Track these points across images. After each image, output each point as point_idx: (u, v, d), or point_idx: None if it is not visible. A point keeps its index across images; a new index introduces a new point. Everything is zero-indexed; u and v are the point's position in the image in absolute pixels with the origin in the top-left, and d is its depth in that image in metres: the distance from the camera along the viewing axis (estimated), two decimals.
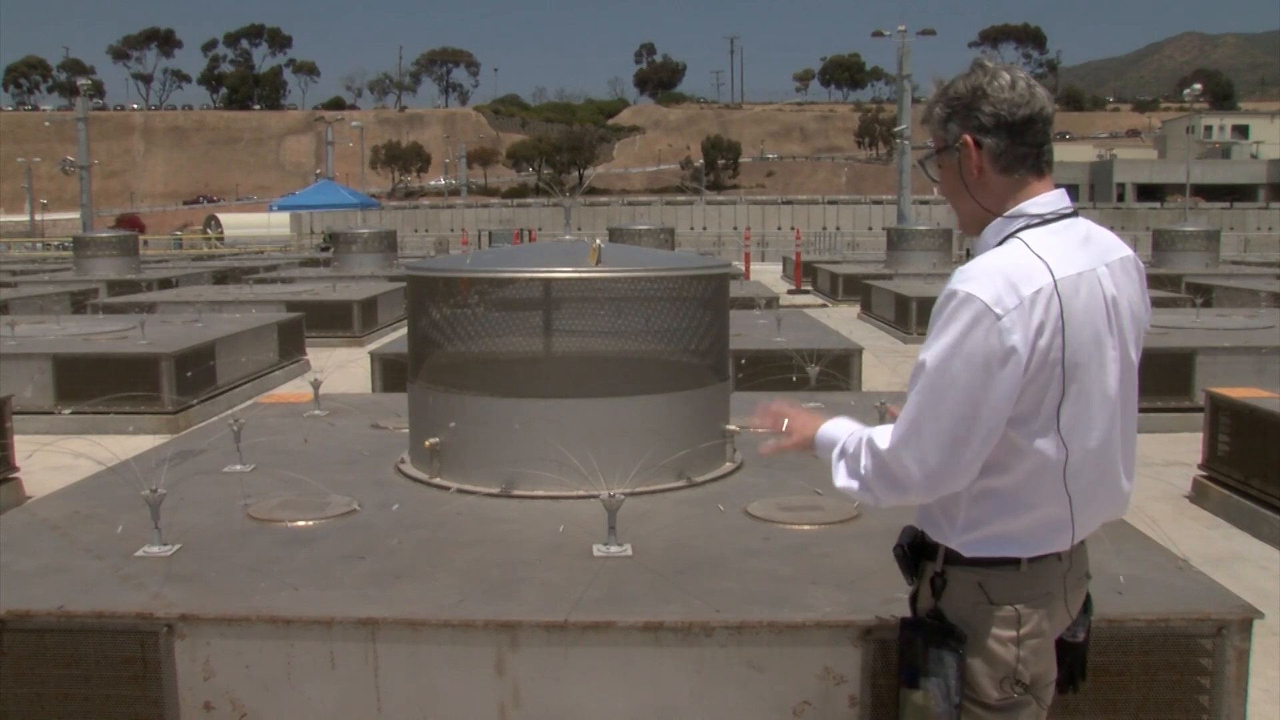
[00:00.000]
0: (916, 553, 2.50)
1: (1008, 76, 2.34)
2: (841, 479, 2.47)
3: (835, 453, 2.50)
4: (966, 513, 2.37)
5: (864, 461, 2.41)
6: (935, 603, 2.42)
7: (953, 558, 2.40)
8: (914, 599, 2.52)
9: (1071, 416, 2.29)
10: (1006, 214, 2.36)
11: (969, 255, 2.48)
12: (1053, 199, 2.38)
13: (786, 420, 2.69)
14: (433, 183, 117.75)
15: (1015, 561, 2.36)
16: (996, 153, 2.34)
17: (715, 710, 3.37)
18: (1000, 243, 2.32)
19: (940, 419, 2.25)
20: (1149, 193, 74.82)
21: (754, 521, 4.37)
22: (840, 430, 2.55)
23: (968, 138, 2.34)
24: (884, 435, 2.37)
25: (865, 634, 3.34)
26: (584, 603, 3.47)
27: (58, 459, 6.30)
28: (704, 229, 52.06)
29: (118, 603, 3.51)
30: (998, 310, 2.18)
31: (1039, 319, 2.20)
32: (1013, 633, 2.35)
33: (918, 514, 2.51)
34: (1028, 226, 2.32)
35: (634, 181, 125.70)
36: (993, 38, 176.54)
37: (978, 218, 2.41)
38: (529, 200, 73.34)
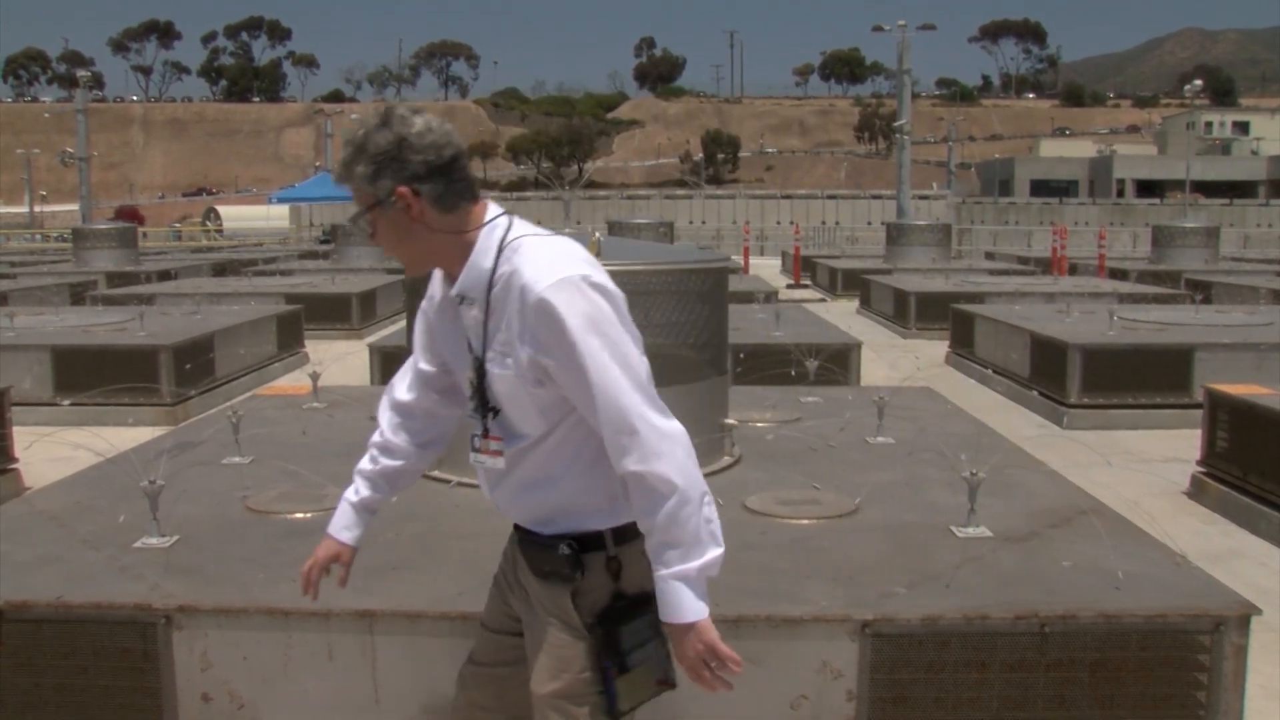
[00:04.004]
0: (584, 548, 2.47)
1: (421, 121, 2.38)
2: (692, 527, 2.35)
3: (687, 562, 2.35)
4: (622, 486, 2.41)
5: (668, 493, 2.33)
6: (616, 585, 2.48)
7: (621, 536, 2.47)
8: (575, 596, 2.48)
9: None
10: (484, 233, 2.43)
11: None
12: (494, 207, 2.48)
13: (710, 654, 2.42)
14: None
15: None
16: (436, 195, 2.38)
17: (713, 703, 3.36)
18: (499, 253, 2.39)
19: (634, 372, 2.33)
20: (1149, 189, 74.82)
21: (752, 515, 4.37)
22: (684, 587, 2.37)
23: (403, 189, 2.36)
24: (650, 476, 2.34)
25: (863, 628, 3.34)
26: None
27: (57, 450, 6.29)
28: (703, 223, 52.07)
29: (116, 594, 3.52)
30: (585, 272, 2.33)
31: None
32: None
33: (555, 516, 2.51)
34: (507, 231, 2.43)
35: (633, 175, 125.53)
36: (992, 33, 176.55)
37: (431, 255, 2.47)
38: (528, 194, 73.13)
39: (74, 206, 48.75)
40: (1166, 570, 3.75)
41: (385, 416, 2.75)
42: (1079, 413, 9.61)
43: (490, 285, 2.39)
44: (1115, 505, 4.63)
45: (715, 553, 2.37)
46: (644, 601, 2.45)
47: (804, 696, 3.37)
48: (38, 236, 54.11)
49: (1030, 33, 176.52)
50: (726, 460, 5.15)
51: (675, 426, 2.35)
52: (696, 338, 5.06)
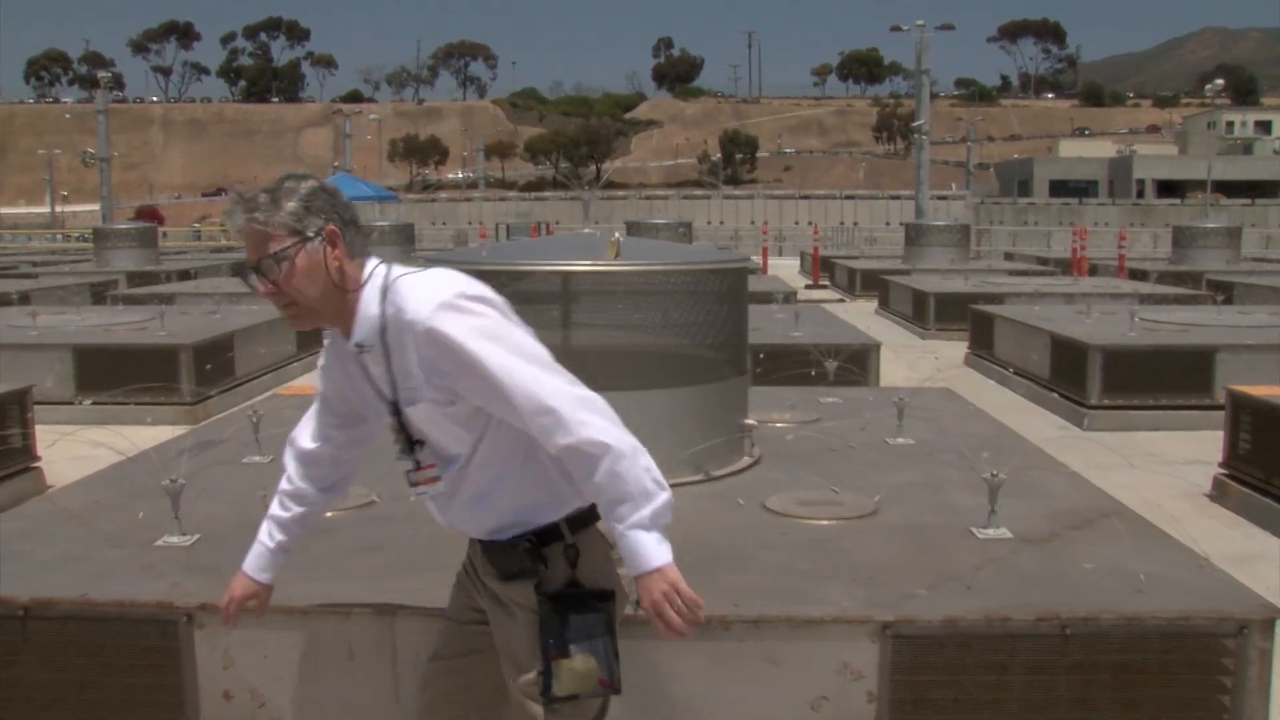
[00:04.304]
0: (543, 542, 2.59)
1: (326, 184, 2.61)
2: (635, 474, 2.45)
3: (639, 511, 2.44)
4: (567, 470, 2.53)
5: (611, 462, 2.44)
6: (573, 573, 2.59)
7: (576, 523, 2.60)
8: (539, 584, 2.59)
9: None
10: (367, 283, 2.57)
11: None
12: (371, 260, 2.63)
13: (674, 594, 2.47)
14: (450, 176, 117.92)
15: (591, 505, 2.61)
16: (350, 240, 2.56)
17: (733, 704, 3.37)
18: (384, 298, 2.53)
19: (533, 356, 2.48)
20: (1169, 189, 74.36)
21: (772, 516, 4.36)
22: (645, 535, 2.46)
23: (333, 227, 2.53)
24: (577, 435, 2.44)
25: (883, 629, 3.33)
26: None
27: (77, 448, 6.33)
28: (721, 223, 52.05)
29: (138, 592, 3.53)
30: (460, 289, 2.49)
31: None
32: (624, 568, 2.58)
33: (508, 520, 2.61)
34: (386, 276, 2.56)
35: (651, 175, 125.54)
36: (1011, 33, 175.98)
37: (326, 306, 2.57)
38: (546, 194, 73.36)
39: (95, 206, 49.08)
40: (1189, 572, 3.73)
41: (291, 466, 2.92)
42: (1099, 414, 9.57)
43: (383, 329, 2.52)
44: (1136, 507, 4.60)
45: (663, 497, 2.45)
46: (601, 598, 2.59)
47: (824, 697, 3.36)
48: (59, 236, 54.42)
49: (1049, 32, 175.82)
50: (746, 460, 5.14)
51: (588, 394, 2.49)
52: (716, 338, 5.05)
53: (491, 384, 2.43)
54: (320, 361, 2.82)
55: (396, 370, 2.53)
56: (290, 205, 2.50)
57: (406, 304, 2.47)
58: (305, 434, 2.89)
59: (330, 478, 2.92)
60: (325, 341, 2.79)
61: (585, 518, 2.61)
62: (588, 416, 2.43)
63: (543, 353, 2.50)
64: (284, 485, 2.93)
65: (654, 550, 2.43)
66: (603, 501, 2.46)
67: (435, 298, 2.45)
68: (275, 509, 2.95)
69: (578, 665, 2.52)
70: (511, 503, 2.60)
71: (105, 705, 3.49)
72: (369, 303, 2.54)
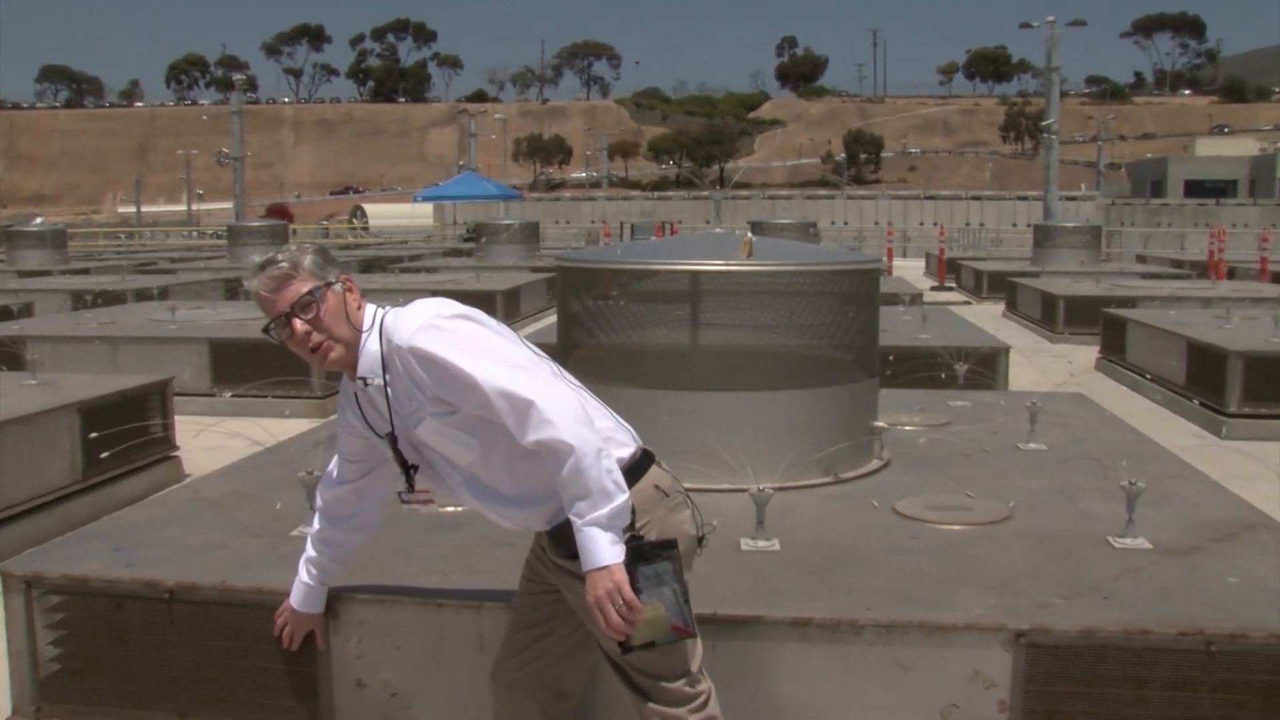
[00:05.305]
0: None
1: None
2: (595, 480, 2.61)
3: (597, 510, 2.61)
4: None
5: (584, 463, 2.60)
6: (634, 527, 2.70)
7: (625, 479, 2.68)
8: None
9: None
10: (367, 324, 2.88)
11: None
12: (367, 304, 2.94)
13: (616, 594, 2.61)
14: (574, 175, 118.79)
15: (646, 453, 2.89)
16: (359, 291, 2.93)
17: (862, 708, 3.33)
18: (380, 335, 2.84)
19: (508, 360, 2.71)
20: None
21: (902, 520, 4.31)
22: (599, 535, 2.62)
23: (347, 277, 2.89)
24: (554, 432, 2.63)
25: (1017, 638, 3.26)
26: (731, 596, 3.46)
27: (213, 439, 6.50)
28: (845, 224, 51.51)
29: (275, 580, 3.61)
30: (437, 310, 2.77)
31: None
32: (687, 512, 2.87)
33: (558, 505, 2.73)
34: (375, 314, 2.89)
35: (774, 175, 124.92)
36: (1146, 27, 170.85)
37: (350, 347, 2.85)
38: (669, 193, 73.40)
39: (228, 204, 50.46)
40: None
41: (320, 509, 3.24)
42: (1239, 423, 9.24)
43: (384, 362, 2.82)
44: None
45: (621, 499, 2.61)
46: (664, 547, 2.71)
47: (955, 705, 3.31)
48: (195, 233, 56.14)
49: (1187, 26, 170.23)
50: (876, 463, 5.08)
51: (562, 394, 2.68)
52: (846, 339, 5.01)
53: (471, 389, 2.67)
54: (339, 417, 3.09)
55: (400, 395, 2.80)
56: (310, 259, 2.83)
57: (395, 335, 2.77)
58: (329, 478, 3.21)
59: (357, 516, 3.21)
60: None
61: (631, 471, 2.75)
62: (555, 416, 2.61)
63: (518, 355, 2.74)
64: (315, 529, 3.26)
65: (606, 549, 2.59)
66: (566, 497, 2.63)
67: (416, 321, 2.75)
68: (310, 552, 3.28)
69: (648, 614, 2.60)
70: (553, 489, 2.71)
71: (244, 688, 3.59)
72: (369, 340, 2.85)
